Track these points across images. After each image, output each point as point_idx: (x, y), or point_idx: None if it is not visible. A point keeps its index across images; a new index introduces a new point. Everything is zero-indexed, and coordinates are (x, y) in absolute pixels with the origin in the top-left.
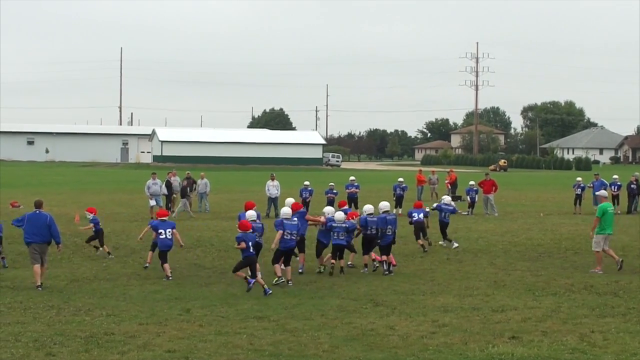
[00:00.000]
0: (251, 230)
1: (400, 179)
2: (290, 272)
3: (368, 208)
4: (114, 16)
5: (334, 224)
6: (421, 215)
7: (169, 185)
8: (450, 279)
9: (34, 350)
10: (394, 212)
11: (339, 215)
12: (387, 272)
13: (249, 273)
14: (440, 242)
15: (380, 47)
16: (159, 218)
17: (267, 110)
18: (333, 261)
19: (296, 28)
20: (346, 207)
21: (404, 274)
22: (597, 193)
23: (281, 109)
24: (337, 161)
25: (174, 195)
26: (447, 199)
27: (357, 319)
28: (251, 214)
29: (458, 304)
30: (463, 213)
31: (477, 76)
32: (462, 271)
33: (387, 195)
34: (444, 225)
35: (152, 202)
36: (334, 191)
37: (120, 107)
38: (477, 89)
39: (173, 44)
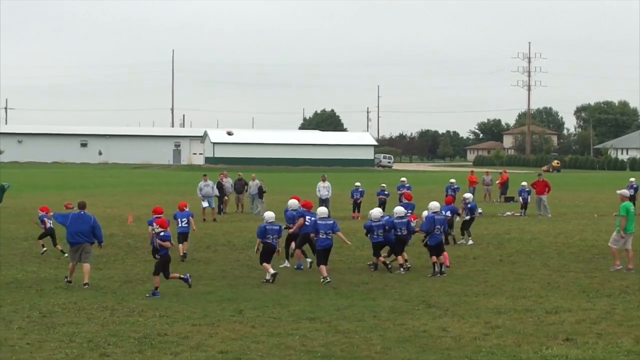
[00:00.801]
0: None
1: (452, 180)
2: (325, 269)
3: (399, 210)
4: (166, 18)
5: (373, 223)
6: (448, 213)
7: (220, 186)
8: (503, 280)
9: (88, 350)
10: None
11: (376, 212)
12: (438, 274)
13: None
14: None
15: (432, 47)
16: (179, 209)
17: (319, 111)
18: (381, 259)
19: (348, 28)
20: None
21: (457, 275)
22: (618, 192)
23: (332, 110)
24: (389, 162)
25: (226, 197)
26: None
27: (410, 321)
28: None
29: (511, 306)
30: (516, 214)
31: (529, 76)
32: (515, 273)
33: (439, 196)
34: (467, 223)
35: (205, 204)
36: (386, 192)
37: (172, 109)
38: (529, 89)
39: (225, 46)
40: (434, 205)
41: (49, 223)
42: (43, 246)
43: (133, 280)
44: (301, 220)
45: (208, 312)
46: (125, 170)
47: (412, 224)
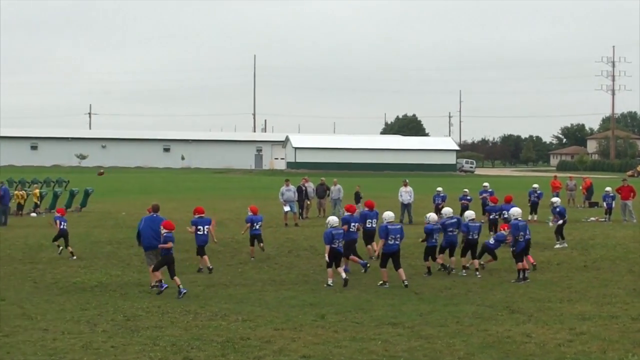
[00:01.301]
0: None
1: (535, 186)
2: (403, 272)
3: (469, 214)
4: (248, 23)
5: (432, 226)
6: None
7: (301, 191)
8: (588, 286)
9: (171, 354)
10: (530, 217)
11: (432, 216)
12: (522, 280)
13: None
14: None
15: (514, 51)
16: (197, 215)
17: (400, 116)
18: (438, 260)
19: (428, 32)
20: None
21: (540, 281)
22: None
23: (414, 115)
24: (471, 167)
25: (308, 202)
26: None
27: (493, 326)
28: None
29: (596, 312)
30: (600, 220)
31: (613, 80)
32: (600, 279)
33: (521, 201)
34: (560, 227)
35: (287, 208)
36: (468, 197)
37: (254, 114)
38: (613, 93)
39: (306, 50)
40: (517, 212)
41: (63, 225)
42: (59, 246)
43: (216, 285)
44: (344, 227)
45: (290, 316)
46: (207, 174)
47: (504, 233)
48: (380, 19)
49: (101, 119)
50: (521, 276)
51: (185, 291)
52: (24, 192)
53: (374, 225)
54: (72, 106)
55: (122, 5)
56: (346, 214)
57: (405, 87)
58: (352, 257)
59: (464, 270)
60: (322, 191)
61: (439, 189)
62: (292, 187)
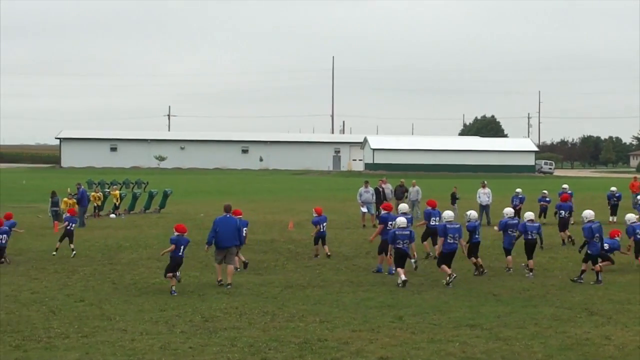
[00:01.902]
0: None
1: (613, 189)
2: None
3: (528, 215)
4: (327, 24)
5: (448, 225)
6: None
7: (379, 192)
8: None
9: (249, 355)
10: (610, 220)
11: (472, 214)
12: (597, 282)
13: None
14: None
15: (593, 51)
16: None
17: (479, 117)
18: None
19: (507, 33)
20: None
21: (620, 283)
22: None
23: (493, 116)
24: (550, 168)
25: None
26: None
27: (572, 328)
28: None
29: None
30: None
31: None
32: None
33: (601, 203)
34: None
35: (364, 210)
36: (547, 199)
37: (332, 116)
38: None
39: (383, 52)
40: (590, 214)
41: (71, 226)
42: (57, 248)
43: (294, 286)
44: (381, 226)
45: (368, 318)
46: (286, 176)
47: (617, 240)
48: (459, 19)
49: (180, 120)
50: (599, 278)
51: (175, 293)
52: (100, 193)
53: (437, 224)
54: (151, 108)
55: (200, 8)
56: (383, 212)
57: (484, 88)
58: (380, 256)
59: (530, 273)
60: (401, 193)
61: (518, 190)
62: (371, 189)
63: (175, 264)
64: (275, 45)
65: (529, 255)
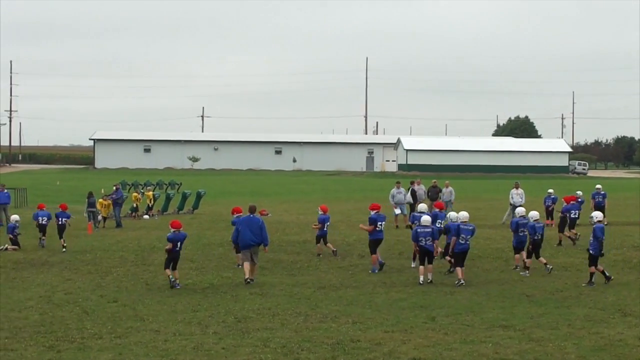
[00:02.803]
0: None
1: None
2: (461, 272)
3: (534, 214)
4: (361, 25)
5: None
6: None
7: (413, 193)
8: None
9: (282, 355)
10: None
11: (461, 215)
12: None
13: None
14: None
15: (627, 52)
16: (174, 229)
17: (512, 118)
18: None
19: (542, 33)
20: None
21: None
22: None
23: (526, 117)
24: (584, 169)
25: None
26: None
27: (605, 329)
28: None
29: None
30: None
31: None
32: None
33: (635, 203)
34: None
35: (397, 211)
36: (580, 199)
37: (365, 116)
38: None
39: (418, 52)
40: (599, 215)
41: (62, 220)
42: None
43: (326, 287)
44: (371, 227)
45: (401, 318)
46: (319, 177)
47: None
48: (489, 20)
49: (213, 122)
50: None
51: (179, 286)
52: (140, 194)
53: (442, 226)
54: (185, 109)
55: (232, 9)
56: (372, 213)
57: (518, 89)
58: (373, 255)
59: (527, 271)
60: (435, 193)
61: (550, 190)
62: (403, 190)
63: (171, 258)
64: (309, 46)
65: (537, 255)
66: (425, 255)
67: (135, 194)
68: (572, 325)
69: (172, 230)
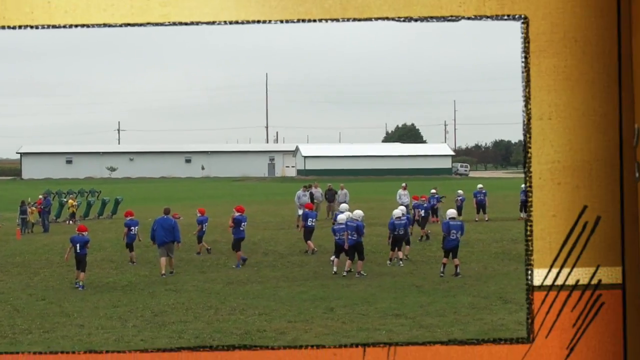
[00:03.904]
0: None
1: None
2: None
3: (451, 212)
4: (260, 42)
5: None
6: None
7: (311, 195)
8: None
9: (195, 346)
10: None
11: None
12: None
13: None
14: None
15: (500, 64)
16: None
17: (400, 125)
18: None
19: (424, 48)
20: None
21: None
22: None
23: (412, 124)
24: (465, 170)
25: (315, 202)
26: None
27: (488, 316)
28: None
29: None
30: None
31: None
32: None
33: (515, 200)
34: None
35: (300, 212)
36: (461, 197)
37: (266, 127)
38: None
39: (313, 69)
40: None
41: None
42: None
43: (234, 282)
44: (302, 223)
45: (302, 309)
46: (225, 183)
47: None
48: (378, 38)
49: (129, 134)
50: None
51: (82, 288)
52: (76, 202)
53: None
54: (104, 124)
55: (147, 33)
56: (305, 210)
57: (404, 99)
58: (308, 242)
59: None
60: (331, 195)
61: (433, 190)
62: (307, 193)
63: (77, 260)
64: (216, 64)
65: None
66: (397, 242)
67: (71, 201)
68: (458, 312)
69: (77, 233)
